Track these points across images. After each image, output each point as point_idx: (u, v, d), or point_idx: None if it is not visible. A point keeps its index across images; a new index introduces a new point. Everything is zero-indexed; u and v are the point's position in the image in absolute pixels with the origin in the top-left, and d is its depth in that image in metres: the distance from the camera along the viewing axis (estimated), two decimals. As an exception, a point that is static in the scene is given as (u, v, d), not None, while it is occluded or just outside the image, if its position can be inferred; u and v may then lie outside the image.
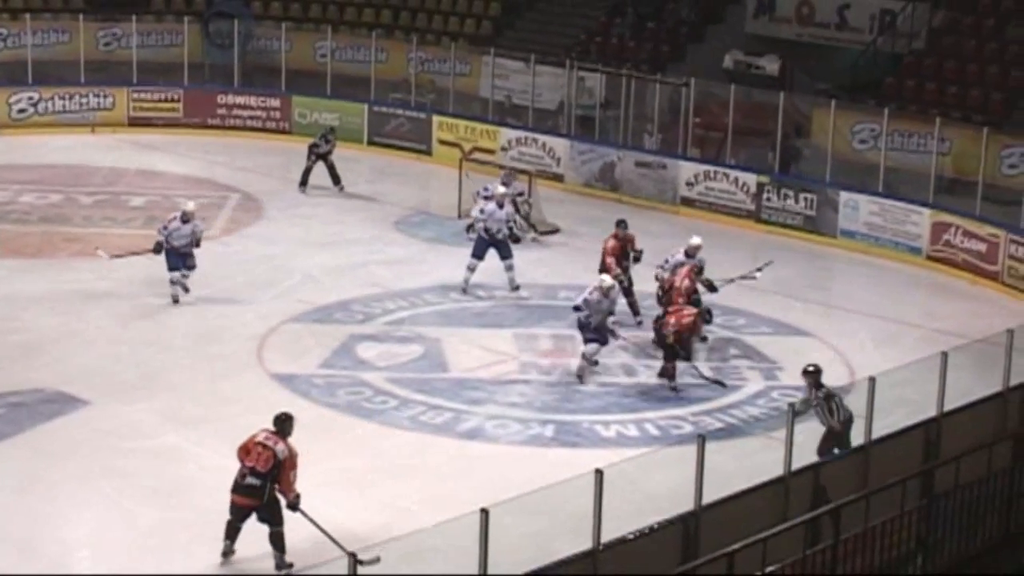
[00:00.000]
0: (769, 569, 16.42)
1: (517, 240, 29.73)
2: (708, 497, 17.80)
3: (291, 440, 18.34)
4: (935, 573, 17.56)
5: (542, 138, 38.53)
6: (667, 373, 25.22)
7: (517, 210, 32.05)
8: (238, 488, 18.30)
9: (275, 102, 41.88)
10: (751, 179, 35.24)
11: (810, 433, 20.66)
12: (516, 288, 29.48)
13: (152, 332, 27.03)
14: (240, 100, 42.25)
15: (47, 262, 30.74)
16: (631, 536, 17.39)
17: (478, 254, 29.33)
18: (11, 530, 19.89)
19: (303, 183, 36.59)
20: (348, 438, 23.23)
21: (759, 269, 28.53)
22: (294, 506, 18.06)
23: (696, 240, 27.50)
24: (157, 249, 28.38)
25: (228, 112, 42.13)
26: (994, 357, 22.03)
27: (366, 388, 24.97)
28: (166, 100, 42.09)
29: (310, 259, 31.06)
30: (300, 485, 19.63)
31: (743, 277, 28.11)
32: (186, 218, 28.66)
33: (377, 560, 15.69)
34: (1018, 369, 21.75)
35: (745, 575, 16.08)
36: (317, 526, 17.04)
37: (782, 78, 38.60)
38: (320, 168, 36.40)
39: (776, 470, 18.99)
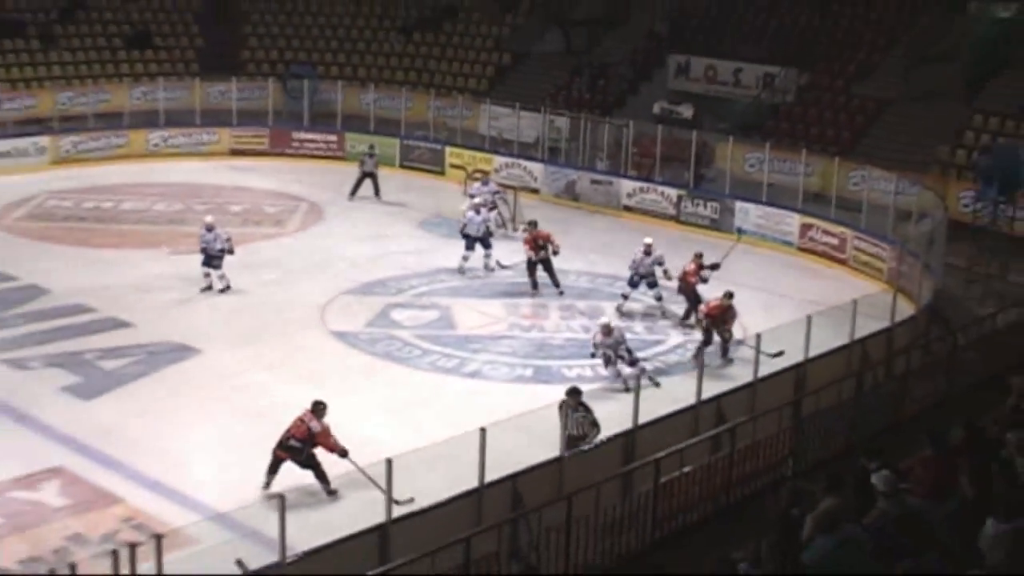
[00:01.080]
0: (685, 469, 16.41)
1: (490, 234, 29.75)
2: (642, 419, 17.80)
3: (326, 420, 18.22)
4: (802, 471, 17.55)
5: (524, 162, 38.40)
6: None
7: (495, 206, 32.11)
8: (281, 446, 18.15)
9: (333, 137, 41.68)
10: (673, 192, 35.13)
11: (715, 373, 20.65)
12: (491, 269, 29.56)
13: (244, 302, 26.95)
14: (308, 136, 42.07)
15: (171, 252, 30.60)
16: (586, 448, 17.39)
17: (469, 247, 29.35)
18: (147, 439, 19.92)
19: (352, 194, 36.43)
20: (386, 377, 23.20)
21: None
22: (344, 455, 17.85)
23: (648, 240, 27.42)
24: (205, 260, 27.53)
25: (300, 144, 41.94)
26: (844, 319, 22.01)
27: (398, 341, 24.90)
28: (256, 136, 41.88)
29: (357, 249, 30.95)
30: (354, 412, 19.65)
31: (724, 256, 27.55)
32: (209, 227, 27.63)
33: (411, 501, 15.68)
34: (859, 327, 21.77)
35: (667, 475, 16.07)
36: (360, 470, 16.94)
37: (695, 120, 38.51)
38: (366, 183, 36.34)
39: (690, 399, 19.00)
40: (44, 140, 39.27)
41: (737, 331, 25.17)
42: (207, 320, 25.77)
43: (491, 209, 31.30)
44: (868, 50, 39.36)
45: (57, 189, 36.19)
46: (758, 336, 20.56)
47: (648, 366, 22.57)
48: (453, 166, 39.22)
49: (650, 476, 16.01)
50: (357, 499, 15.24)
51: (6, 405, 21.10)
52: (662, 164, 36.23)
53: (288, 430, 18.20)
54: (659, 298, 27.03)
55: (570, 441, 17.63)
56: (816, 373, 20.54)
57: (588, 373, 23.44)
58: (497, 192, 33.25)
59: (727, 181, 34.65)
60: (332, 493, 18.00)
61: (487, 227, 29.71)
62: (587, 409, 18.20)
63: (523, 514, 15.07)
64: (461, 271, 29.24)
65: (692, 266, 26.30)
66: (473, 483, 15.93)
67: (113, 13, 46.47)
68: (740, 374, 21.53)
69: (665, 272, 26.86)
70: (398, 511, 15.12)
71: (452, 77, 45.16)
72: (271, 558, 13.80)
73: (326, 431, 18.09)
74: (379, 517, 14.72)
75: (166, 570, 12.90)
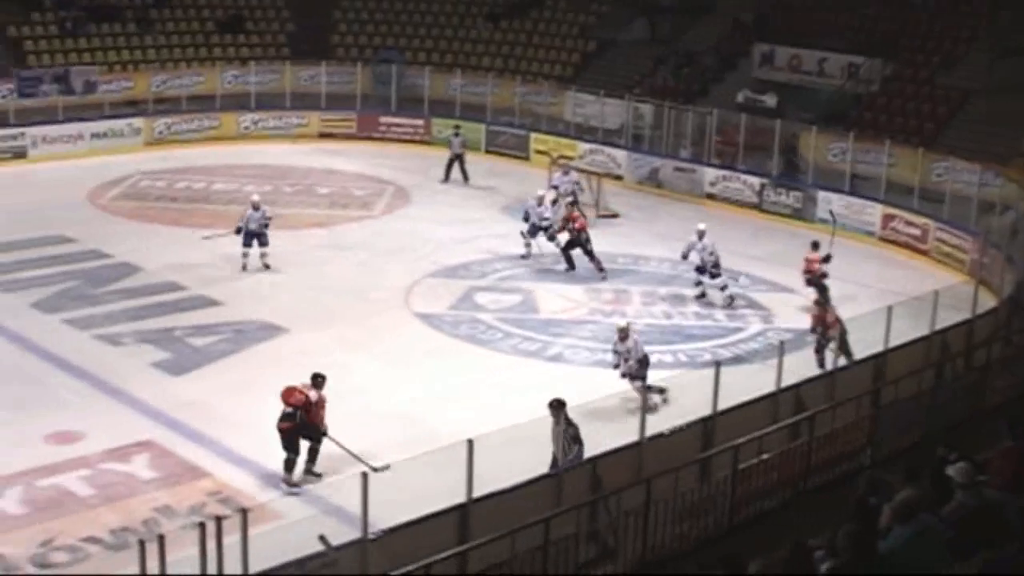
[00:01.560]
0: (763, 456, 16.35)
1: (552, 237, 29.31)
2: (722, 405, 17.73)
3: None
4: (880, 461, 17.41)
5: (608, 149, 38.34)
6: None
7: (576, 199, 31.88)
8: (281, 418, 18.34)
9: (419, 121, 41.81)
10: (755, 181, 34.94)
11: (795, 360, 20.52)
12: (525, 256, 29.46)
13: (330, 283, 27.13)
14: (395, 120, 42.22)
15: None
16: (666, 432, 17.35)
17: (531, 233, 29.43)
18: (234, 415, 20.17)
19: (445, 177, 36.77)
20: (468, 359, 23.28)
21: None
22: (324, 434, 18.30)
23: (701, 225, 27.36)
24: (237, 231, 27.86)
25: (387, 128, 42.12)
26: (924, 310, 21.78)
27: (481, 324, 24.99)
28: (345, 120, 42.15)
29: (442, 232, 31.06)
30: (436, 393, 19.72)
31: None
32: (256, 206, 27.91)
33: (387, 468, 15.75)
34: (940, 318, 21.53)
35: (745, 462, 16.02)
36: (342, 447, 17.05)
37: (779, 109, 38.19)
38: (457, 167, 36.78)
39: (769, 387, 18.89)
40: (139, 122, 39.75)
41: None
42: (294, 300, 25.97)
43: (572, 201, 31.29)
44: (953, 41, 38.81)
45: (151, 170, 36.63)
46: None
47: (656, 380, 21.79)
48: (538, 152, 39.20)
49: (728, 462, 15.96)
50: (439, 478, 15.30)
51: (99, 379, 21.43)
52: (745, 153, 36.04)
53: (286, 400, 18.40)
54: (724, 287, 26.91)
55: (553, 461, 17.01)
56: (895, 363, 20.31)
57: (669, 359, 23.42)
58: (577, 182, 33.21)
59: (810, 170, 34.39)
60: (317, 476, 18.30)
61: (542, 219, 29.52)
62: (569, 422, 17.22)
63: (602, 497, 15.08)
64: (524, 256, 29.27)
65: (815, 255, 26.29)
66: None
67: (207, -2, 46.92)
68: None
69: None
70: (479, 491, 15.17)
71: (538, 64, 45.10)
72: (353, 534, 13.90)
73: (321, 403, 18.49)
74: (460, 497, 14.79)
75: (251, 544, 13.03)
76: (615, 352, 21.27)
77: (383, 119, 42.25)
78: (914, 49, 39.19)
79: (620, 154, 38.09)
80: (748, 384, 19.40)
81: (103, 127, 39.04)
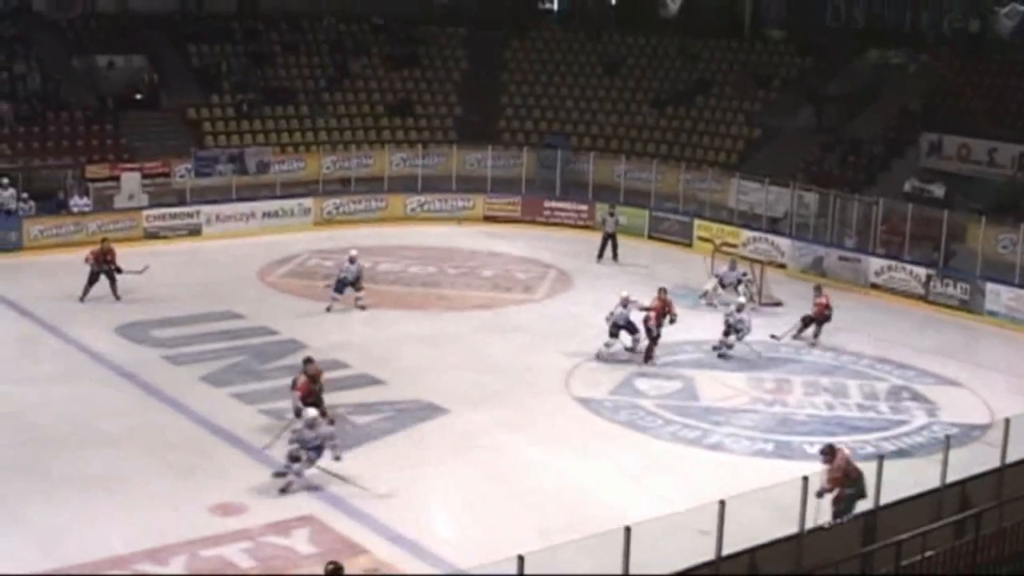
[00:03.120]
0: (927, 554, 15.98)
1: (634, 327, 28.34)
2: (884, 500, 17.39)
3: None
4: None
5: (771, 237, 38.11)
6: None
7: (741, 284, 32.41)
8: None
9: (584, 206, 41.99)
10: (922, 271, 34.36)
11: (961, 455, 20.03)
12: (630, 349, 28.29)
13: (492, 365, 27.25)
14: (560, 204, 42.49)
15: (424, 313, 31.23)
16: (826, 525, 17.06)
17: (612, 334, 28.04)
18: (394, 493, 20.26)
19: (599, 256, 37.32)
20: (627, 445, 23.17)
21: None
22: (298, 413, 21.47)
23: (624, 293, 28.53)
24: (338, 286, 30.89)
25: (551, 213, 42.40)
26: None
27: (641, 410, 24.86)
28: (510, 204, 42.55)
29: (604, 317, 31.00)
30: (594, 477, 19.59)
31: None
32: (352, 260, 31.00)
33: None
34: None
35: (908, 558, 15.67)
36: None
37: (947, 199, 37.63)
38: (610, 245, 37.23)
39: (934, 482, 18.48)
40: (308, 202, 40.64)
41: (984, 414, 24.62)
42: (456, 381, 26.12)
43: (737, 284, 31.76)
44: None
45: (319, 249, 37.35)
46: (1007, 421, 19.87)
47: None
48: (701, 238, 39.10)
49: (891, 558, 15.63)
50: (595, 565, 15.22)
51: (262, 453, 21.74)
52: (911, 243, 35.51)
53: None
54: (635, 343, 28.09)
55: None
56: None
57: (830, 450, 23.04)
58: (745, 273, 33.03)
59: (978, 262, 33.74)
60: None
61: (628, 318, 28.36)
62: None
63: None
64: (606, 345, 28.30)
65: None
66: (711, 555, 15.76)
67: (377, 82, 47.88)
68: (987, 458, 20.81)
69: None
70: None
71: (703, 150, 45.10)
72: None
73: (308, 382, 22.22)
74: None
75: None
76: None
77: (547, 203, 42.54)
78: (1086, 138, 38.37)
79: (784, 242, 37.81)
80: (912, 479, 19.00)
81: (274, 206, 40.00)
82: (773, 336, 29.61)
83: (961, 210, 36.33)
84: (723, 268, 33.27)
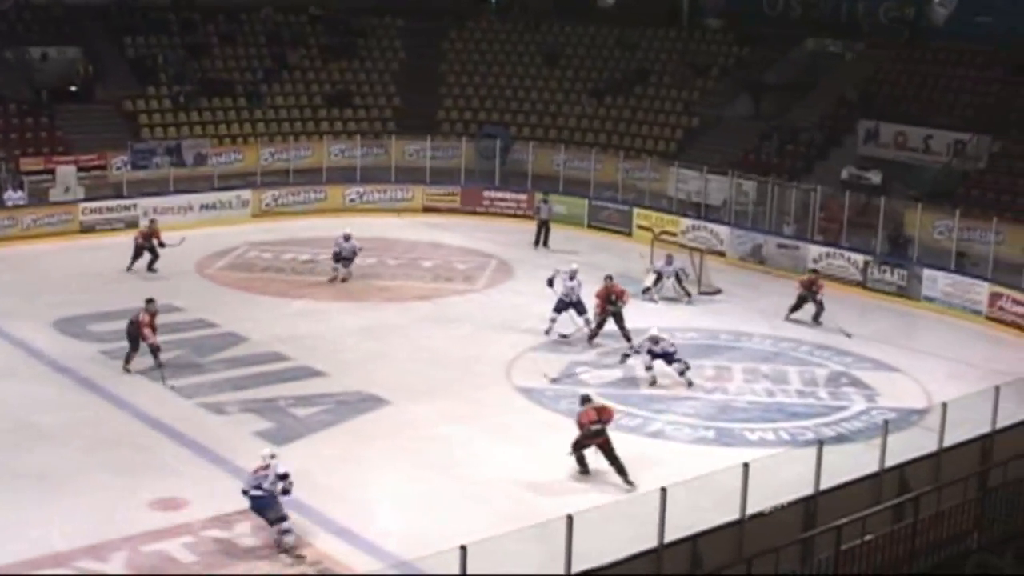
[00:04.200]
0: (867, 537, 16.13)
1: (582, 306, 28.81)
2: (824, 485, 17.53)
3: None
4: (989, 544, 17.11)
5: (711, 225, 38.28)
6: None
7: (679, 280, 32.57)
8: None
9: (523, 196, 42.01)
10: (860, 258, 34.63)
11: (900, 440, 20.23)
12: (564, 336, 28.72)
13: (433, 356, 27.24)
14: (499, 195, 42.51)
15: (364, 304, 31.15)
16: (767, 511, 17.17)
17: (557, 309, 28.75)
18: (336, 486, 20.24)
19: (536, 243, 37.69)
20: (569, 434, 23.10)
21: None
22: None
23: (574, 266, 29.54)
24: (335, 257, 32.78)
25: (491, 203, 42.43)
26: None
27: (582, 399, 24.94)
28: (448, 194, 42.53)
29: (544, 307, 30.88)
30: (537, 467, 19.60)
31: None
32: (347, 237, 32.90)
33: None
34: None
35: (848, 542, 15.81)
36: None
37: (883, 186, 37.92)
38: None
39: (872, 467, 18.65)
40: (247, 194, 40.43)
41: (922, 399, 24.92)
42: (397, 372, 26.09)
43: (668, 277, 32.35)
44: (1063, 117, 38.42)
45: (258, 241, 37.18)
46: (944, 405, 20.08)
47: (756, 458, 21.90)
48: (640, 227, 39.22)
49: (831, 543, 15.76)
50: (539, 553, 15.26)
51: (203, 447, 21.66)
52: (849, 230, 35.78)
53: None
54: (588, 322, 28.42)
55: None
56: (1004, 445, 19.98)
57: (770, 437, 23.23)
58: (681, 269, 33.05)
59: (915, 248, 34.04)
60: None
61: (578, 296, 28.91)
62: None
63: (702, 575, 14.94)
64: (547, 331, 28.82)
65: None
66: (653, 542, 15.83)
67: (315, 73, 47.65)
68: (925, 443, 21.03)
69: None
70: (578, 567, 15.05)
71: (641, 139, 45.21)
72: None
73: (143, 322, 25.08)
74: (559, 568, 14.71)
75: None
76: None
77: (487, 193, 42.55)
78: (1022, 125, 38.75)
79: (723, 230, 37.99)
80: (851, 463, 19.18)
81: (212, 198, 39.77)
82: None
83: (898, 197, 36.64)
84: (660, 262, 33.27)
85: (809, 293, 30.57)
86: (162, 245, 33.04)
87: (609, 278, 28.71)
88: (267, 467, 18.02)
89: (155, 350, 25.20)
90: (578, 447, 21.04)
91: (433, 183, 42.62)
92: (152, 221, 33.95)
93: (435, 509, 19.49)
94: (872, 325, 30.96)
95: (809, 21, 47.69)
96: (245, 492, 18.03)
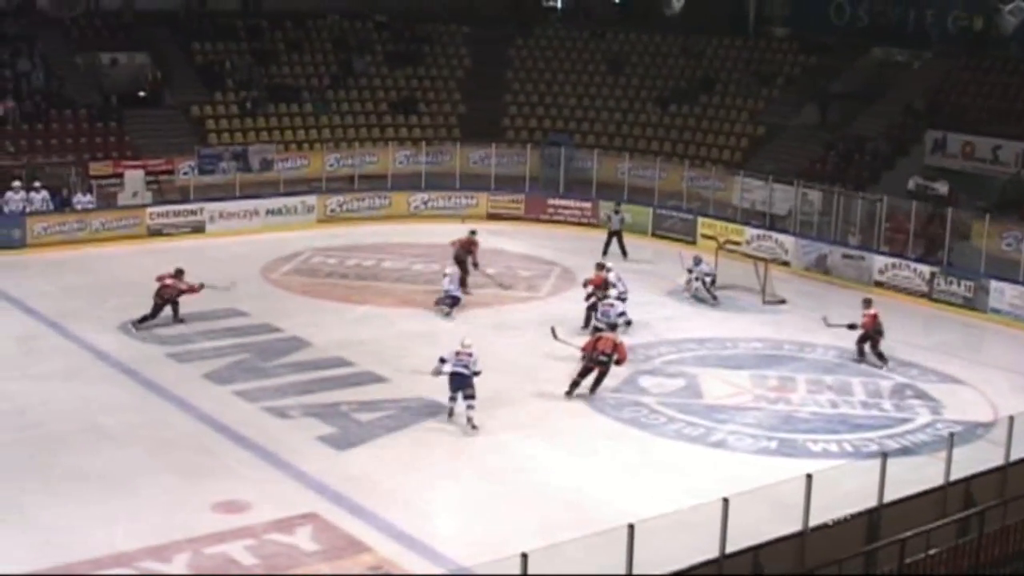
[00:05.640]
0: (931, 551, 15.98)
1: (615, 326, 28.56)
2: (887, 498, 17.37)
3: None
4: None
5: (775, 235, 38.07)
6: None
7: (705, 284, 32.83)
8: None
9: (587, 204, 41.99)
10: (926, 269, 34.32)
11: (965, 453, 20.01)
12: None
13: (496, 363, 26.99)
14: (563, 202, 42.48)
15: (427, 311, 31.15)
16: (830, 523, 17.04)
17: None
18: (397, 491, 20.29)
19: (604, 252, 37.10)
20: (630, 443, 23.16)
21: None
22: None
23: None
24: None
25: (555, 211, 42.40)
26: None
27: (644, 408, 24.86)
28: (513, 202, 42.55)
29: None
30: (597, 475, 19.55)
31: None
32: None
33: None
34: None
35: (911, 556, 15.67)
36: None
37: (951, 197, 37.59)
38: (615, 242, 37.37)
39: (937, 480, 18.47)
40: (312, 199, 40.63)
41: (987, 412, 24.69)
42: (460, 379, 26.11)
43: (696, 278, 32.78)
44: None
45: (322, 246, 37.36)
46: (1011, 419, 19.85)
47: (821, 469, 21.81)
48: (705, 236, 39.04)
49: (895, 556, 15.63)
50: (599, 562, 15.22)
51: (266, 451, 21.77)
52: (915, 241, 35.48)
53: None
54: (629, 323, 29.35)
55: None
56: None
57: (834, 448, 23.06)
58: (708, 273, 33.08)
59: (982, 260, 33.69)
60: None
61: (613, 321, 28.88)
62: None
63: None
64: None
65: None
66: (714, 553, 15.75)
67: (381, 80, 47.88)
68: (991, 456, 20.80)
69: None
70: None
71: (706, 148, 45.08)
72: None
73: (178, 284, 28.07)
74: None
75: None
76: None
77: (551, 201, 42.54)
78: (1091, 135, 38.33)
79: (788, 240, 37.78)
80: (916, 476, 19.00)
81: (278, 204, 40.00)
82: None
83: (965, 208, 36.30)
84: (689, 262, 33.24)
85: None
86: (192, 290, 29.16)
87: (600, 266, 31.17)
88: (469, 353, 23.37)
89: (175, 303, 28.49)
90: (584, 373, 25.17)
91: (497, 190, 42.66)
92: (179, 272, 29.48)
93: (495, 515, 19.50)
94: (937, 337, 30.69)
95: (876, 30, 47.45)
96: (439, 366, 23.53)
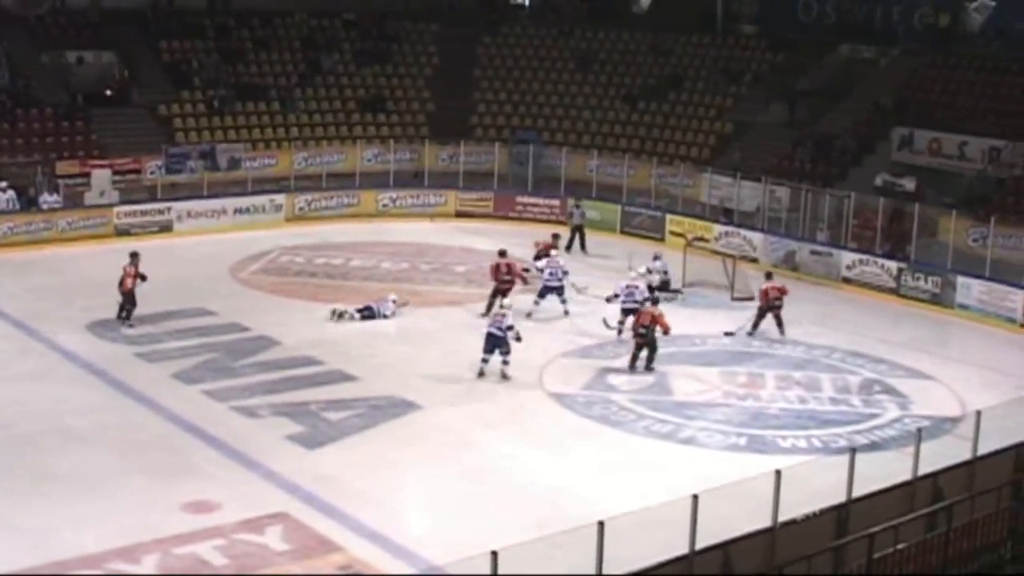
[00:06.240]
0: (899, 546, 16.05)
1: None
2: (856, 493, 17.45)
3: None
4: (1020, 555, 17.01)
5: (744, 232, 38.18)
6: None
7: (664, 287, 32.74)
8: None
9: (555, 202, 41.98)
10: (893, 265, 34.46)
11: (933, 448, 20.12)
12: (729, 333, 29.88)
13: (464, 360, 27.12)
14: (532, 200, 42.48)
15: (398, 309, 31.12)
16: (799, 518, 17.11)
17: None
18: (368, 490, 20.29)
19: (568, 247, 37.20)
20: (600, 440, 23.19)
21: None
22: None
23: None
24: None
25: (524, 208, 42.37)
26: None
27: (614, 405, 24.89)
28: (482, 200, 42.53)
29: (576, 312, 30.98)
30: (568, 473, 19.56)
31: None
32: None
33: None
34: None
35: (880, 551, 15.74)
36: None
37: (918, 193, 37.75)
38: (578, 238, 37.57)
39: (906, 475, 18.57)
40: (280, 198, 40.53)
41: (955, 408, 24.78)
42: (429, 377, 26.09)
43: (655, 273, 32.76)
44: (1100, 125, 38.14)
45: (291, 245, 37.27)
46: (978, 414, 19.97)
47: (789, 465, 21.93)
48: (673, 233, 39.13)
49: (863, 551, 15.69)
50: (569, 560, 15.24)
51: (235, 451, 21.72)
52: (882, 237, 35.61)
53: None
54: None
55: None
56: (1039, 453, 19.86)
57: (803, 444, 23.14)
58: (665, 272, 33.21)
59: (949, 255, 33.85)
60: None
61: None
62: None
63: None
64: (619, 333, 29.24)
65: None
66: (684, 549, 15.79)
67: (349, 78, 47.78)
68: (959, 451, 20.93)
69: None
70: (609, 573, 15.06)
71: (675, 145, 45.15)
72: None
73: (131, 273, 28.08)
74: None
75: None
76: None
77: (520, 199, 42.54)
78: (1058, 132, 38.56)
79: (756, 236, 37.87)
80: (884, 471, 19.10)
81: (246, 203, 39.90)
82: (727, 333, 29.70)
83: (932, 204, 36.47)
84: (657, 263, 33.32)
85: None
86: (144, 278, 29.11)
87: (556, 236, 34.22)
88: (504, 314, 26.05)
89: (129, 299, 28.43)
90: (639, 348, 26.86)
91: (466, 188, 42.64)
92: (134, 255, 29.71)
93: (466, 514, 19.50)
94: (906, 333, 30.82)
95: (843, 27, 47.60)
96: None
